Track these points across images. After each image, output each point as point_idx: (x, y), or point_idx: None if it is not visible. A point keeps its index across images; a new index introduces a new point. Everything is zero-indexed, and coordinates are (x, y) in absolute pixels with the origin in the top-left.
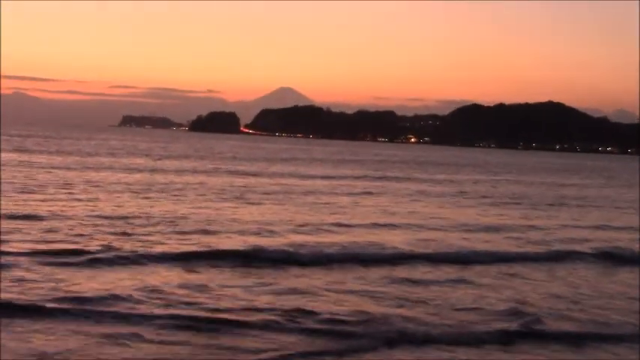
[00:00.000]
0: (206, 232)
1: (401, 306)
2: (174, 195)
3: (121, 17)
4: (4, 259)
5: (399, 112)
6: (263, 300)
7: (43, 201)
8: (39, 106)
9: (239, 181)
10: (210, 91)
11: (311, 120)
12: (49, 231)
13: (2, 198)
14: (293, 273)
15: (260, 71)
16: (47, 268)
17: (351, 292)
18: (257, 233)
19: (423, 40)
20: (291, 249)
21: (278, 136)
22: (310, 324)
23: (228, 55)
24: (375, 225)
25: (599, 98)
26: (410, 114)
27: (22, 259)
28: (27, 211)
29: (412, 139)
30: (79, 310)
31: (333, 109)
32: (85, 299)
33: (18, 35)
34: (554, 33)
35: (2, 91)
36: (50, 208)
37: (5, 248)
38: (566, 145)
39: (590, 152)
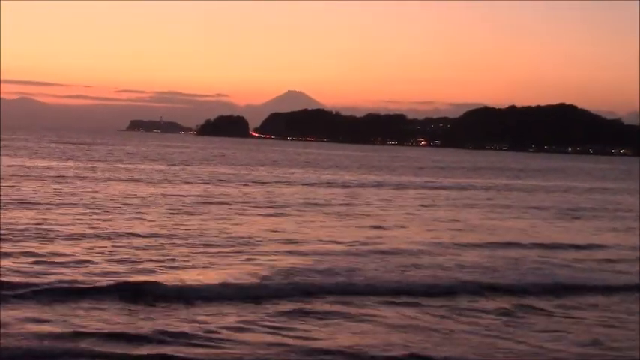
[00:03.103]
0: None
1: None
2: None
3: (128, 20)
4: None
5: (410, 116)
6: None
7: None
8: (45, 111)
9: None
10: (218, 94)
11: (320, 124)
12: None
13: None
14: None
15: (269, 75)
16: None
17: None
18: None
19: (433, 42)
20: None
21: (290, 140)
22: None
23: (236, 58)
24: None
25: (612, 100)
26: (421, 117)
27: None
28: None
29: (422, 142)
30: None
31: (343, 113)
32: None
33: (23, 39)
34: (565, 34)
35: (7, 97)
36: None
37: None
38: (578, 148)
39: (603, 155)
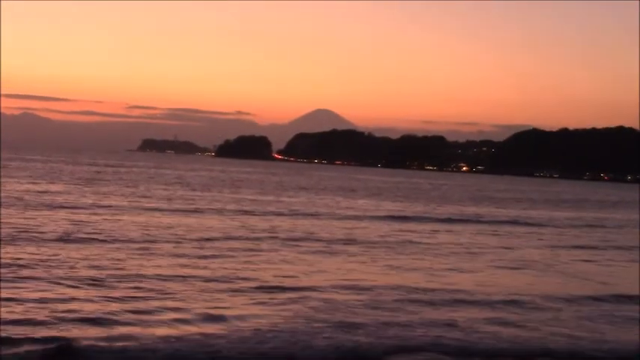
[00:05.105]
0: None
1: None
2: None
3: (140, 32)
4: None
5: (449, 138)
6: None
7: None
8: (50, 127)
9: None
10: (239, 112)
11: (351, 146)
12: None
13: None
14: None
15: (294, 91)
16: None
17: None
18: None
19: (476, 58)
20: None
21: (317, 162)
22: None
23: (259, 73)
24: None
25: None
26: (462, 139)
27: None
28: None
29: (464, 168)
30: None
31: (376, 134)
32: None
33: (27, 52)
34: (622, 51)
35: (9, 112)
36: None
37: None
38: (638, 176)
39: None
